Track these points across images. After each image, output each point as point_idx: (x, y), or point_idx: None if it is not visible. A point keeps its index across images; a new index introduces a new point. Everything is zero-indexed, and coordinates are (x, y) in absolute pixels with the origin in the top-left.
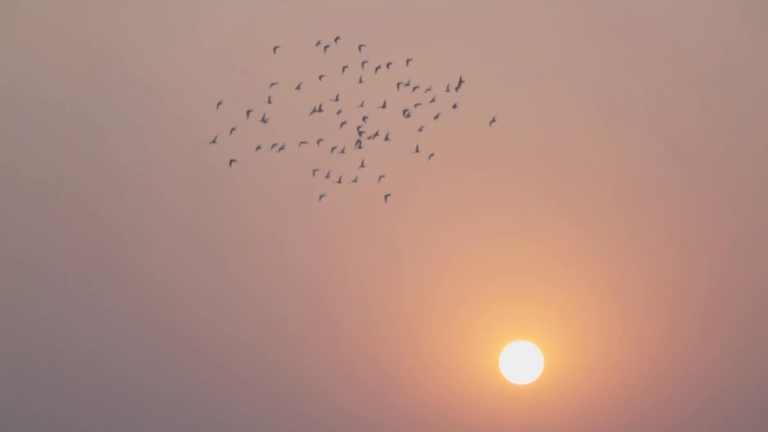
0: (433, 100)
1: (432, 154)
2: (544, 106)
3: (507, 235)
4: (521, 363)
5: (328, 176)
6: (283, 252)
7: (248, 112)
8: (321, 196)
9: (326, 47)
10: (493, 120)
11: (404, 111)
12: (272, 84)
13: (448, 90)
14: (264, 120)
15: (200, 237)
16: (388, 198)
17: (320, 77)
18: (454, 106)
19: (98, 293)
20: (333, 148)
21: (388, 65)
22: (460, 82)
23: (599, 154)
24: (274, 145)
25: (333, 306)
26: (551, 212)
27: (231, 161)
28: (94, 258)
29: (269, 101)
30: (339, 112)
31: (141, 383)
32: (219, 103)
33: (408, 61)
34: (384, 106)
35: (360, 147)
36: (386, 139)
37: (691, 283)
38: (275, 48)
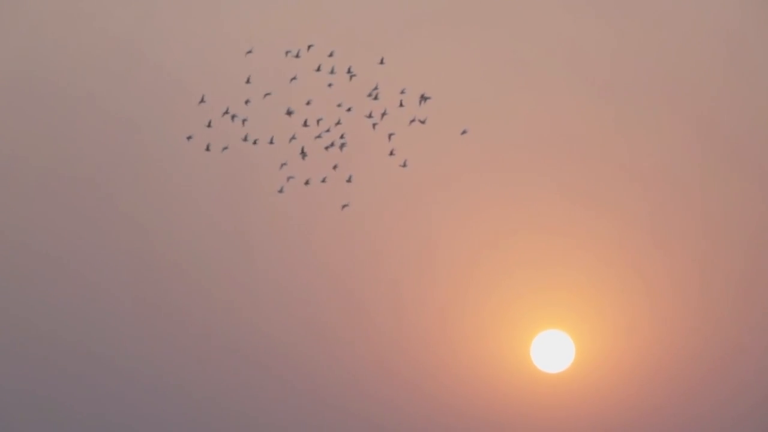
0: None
1: (404, 163)
2: (562, 97)
3: (537, 228)
4: (552, 351)
5: (289, 179)
6: (312, 243)
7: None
8: (280, 190)
9: (309, 47)
10: (464, 131)
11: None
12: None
13: (421, 101)
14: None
15: (228, 230)
16: (345, 207)
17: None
18: (423, 122)
19: (126, 288)
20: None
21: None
22: (425, 98)
23: (620, 142)
24: (253, 140)
25: (364, 295)
26: (578, 205)
27: (207, 146)
28: (121, 252)
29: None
30: (376, 95)
31: (171, 378)
32: (202, 100)
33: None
34: (426, 99)
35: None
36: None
37: (718, 267)
38: (247, 52)
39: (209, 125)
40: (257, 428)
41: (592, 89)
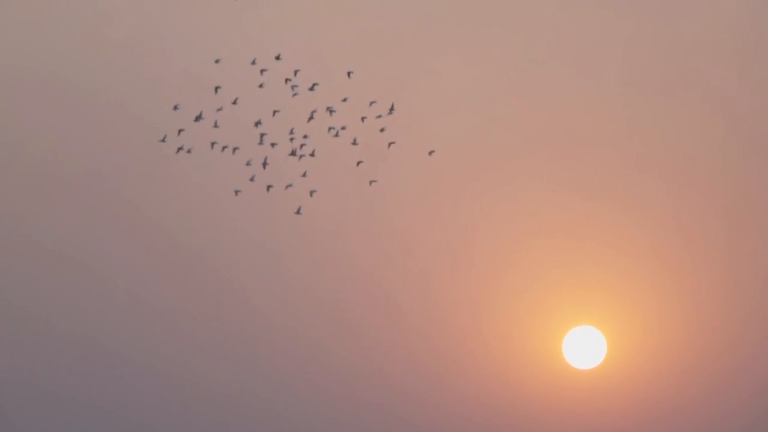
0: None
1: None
2: (581, 97)
3: (567, 228)
4: (584, 348)
5: (252, 179)
6: (342, 239)
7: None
8: (236, 192)
9: (277, 56)
10: (432, 152)
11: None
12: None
13: (390, 111)
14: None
15: (256, 227)
16: (300, 210)
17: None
18: (391, 144)
19: (152, 288)
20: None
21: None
22: (391, 109)
23: (641, 138)
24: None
25: (395, 291)
26: (607, 204)
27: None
28: (148, 254)
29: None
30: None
31: (199, 377)
32: (175, 107)
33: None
34: None
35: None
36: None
37: (746, 259)
38: (216, 60)
39: (180, 132)
40: (289, 425)
41: (614, 87)
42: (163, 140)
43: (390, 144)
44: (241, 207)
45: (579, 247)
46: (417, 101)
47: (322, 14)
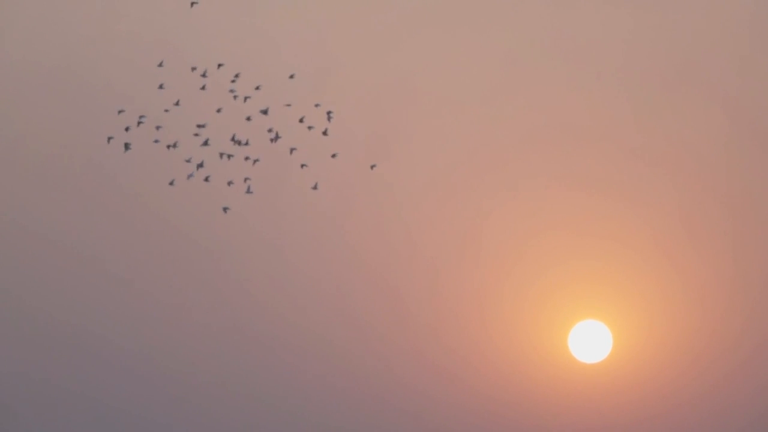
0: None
1: (315, 186)
2: (586, 88)
3: (573, 222)
4: (590, 342)
5: (191, 176)
6: (347, 234)
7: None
8: (171, 183)
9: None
10: (374, 166)
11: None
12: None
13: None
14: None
15: (262, 227)
16: (226, 209)
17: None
18: (333, 155)
19: (160, 287)
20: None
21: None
22: (329, 115)
23: (647, 132)
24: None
25: (401, 286)
26: (612, 199)
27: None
28: (155, 252)
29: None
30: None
31: (204, 373)
32: (120, 111)
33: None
34: None
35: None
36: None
37: (750, 251)
38: (160, 63)
39: (127, 129)
40: (293, 418)
41: (618, 81)
42: (111, 137)
43: (333, 155)
44: (246, 202)
45: (584, 242)
46: (421, 98)
47: (329, 10)
